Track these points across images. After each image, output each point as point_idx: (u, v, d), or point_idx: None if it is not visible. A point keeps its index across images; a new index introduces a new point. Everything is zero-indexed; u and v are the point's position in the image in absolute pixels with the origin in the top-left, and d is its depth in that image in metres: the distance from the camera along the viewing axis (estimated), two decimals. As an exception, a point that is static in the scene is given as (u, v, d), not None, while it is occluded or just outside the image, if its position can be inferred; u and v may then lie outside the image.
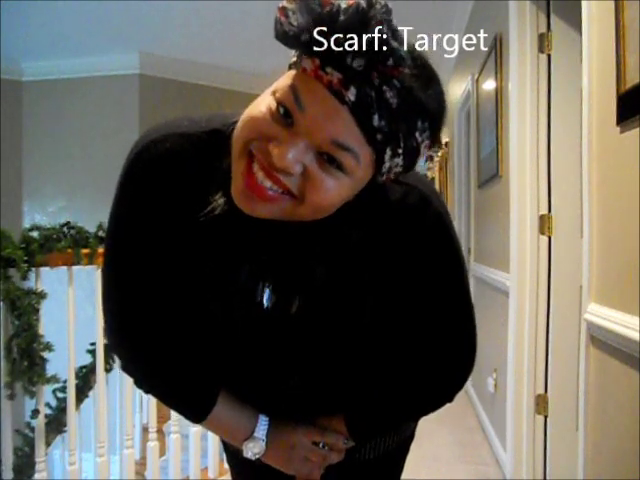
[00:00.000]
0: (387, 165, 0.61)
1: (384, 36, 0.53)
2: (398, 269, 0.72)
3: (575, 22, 1.93)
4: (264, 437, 0.78)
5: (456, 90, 4.35)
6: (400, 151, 0.60)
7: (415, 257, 0.73)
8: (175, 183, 0.71)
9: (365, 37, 0.53)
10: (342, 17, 0.53)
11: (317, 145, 0.58)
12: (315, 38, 0.54)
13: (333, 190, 0.60)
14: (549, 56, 2.08)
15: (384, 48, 0.54)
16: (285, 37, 0.56)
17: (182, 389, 0.78)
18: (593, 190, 1.33)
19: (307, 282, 0.70)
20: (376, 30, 0.53)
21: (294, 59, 0.63)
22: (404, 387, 0.79)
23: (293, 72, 0.62)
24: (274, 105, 0.61)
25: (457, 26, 4.01)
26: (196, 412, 0.78)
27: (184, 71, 5.19)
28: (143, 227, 0.72)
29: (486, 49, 2.82)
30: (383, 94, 0.56)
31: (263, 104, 0.64)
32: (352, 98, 0.55)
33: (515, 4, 2.16)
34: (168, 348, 0.77)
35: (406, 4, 3.79)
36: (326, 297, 0.71)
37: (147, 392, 0.81)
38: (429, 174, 6.98)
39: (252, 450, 0.78)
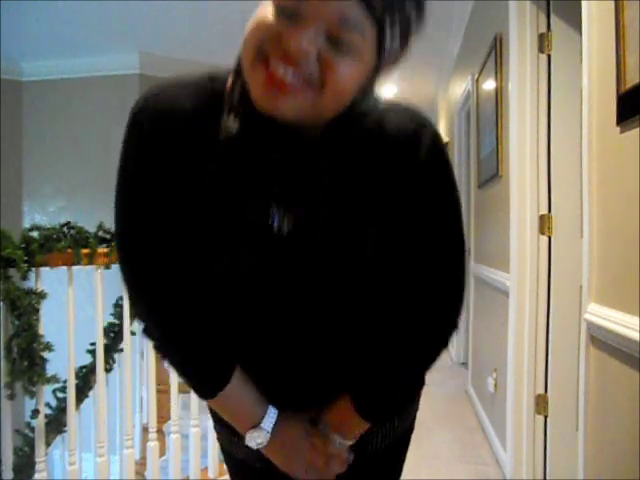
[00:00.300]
0: (387, 46, 0.65)
1: None
2: (397, 195, 0.74)
3: (575, 22, 1.93)
4: (270, 429, 0.77)
5: (456, 90, 4.35)
6: (397, 30, 0.64)
7: (414, 182, 0.74)
8: (181, 123, 0.72)
9: None
10: None
11: (326, 27, 0.60)
12: None
13: (347, 74, 0.63)
14: (549, 56, 2.08)
15: None
16: None
17: (198, 358, 0.77)
18: (593, 190, 1.33)
19: (314, 203, 0.71)
20: None
21: None
22: (404, 334, 0.77)
23: None
24: (274, 6, 0.62)
25: (457, 26, 4.01)
26: (208, 386, 0.77)
27: (184, 71, 5.19)
28: (154, 173, 0.74)
29: (486, 49, 2.82)
30: None
31: (262, 12, 0.64)
32: None
33: (515, 4, 2.16)
34: (185, 307, 0.77)
35: (406, 4, 3.79)
36: (331, 223, 0.72)
37: (164, 357, 0.81)
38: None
39: (256, 440, 0.78)
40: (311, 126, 0.68)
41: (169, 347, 0.80)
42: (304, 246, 0.72)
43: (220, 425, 0.87)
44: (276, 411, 0.79)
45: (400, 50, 0.68)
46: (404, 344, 0.78)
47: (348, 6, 0.60)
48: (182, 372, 0.81)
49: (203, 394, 0.78)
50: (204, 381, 0.78)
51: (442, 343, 0.79)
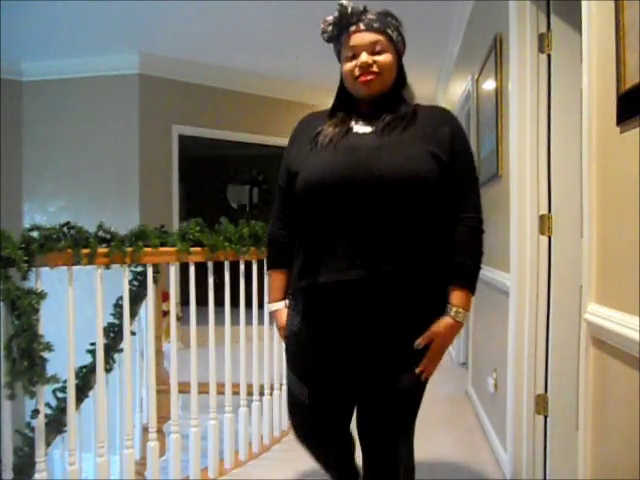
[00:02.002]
0: (397, 42, 1.38)
1: (361, 9, 1.35)
2: (447, 140, 1.35)
3: (575, 22, 1.93)
4: (271, 309, 1.54)
5: (456, 90, 4.35)
6: (395, 32, 1.38)
7: (453, 131, 1.37)
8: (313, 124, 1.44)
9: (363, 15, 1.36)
10: (351, 13, 1.34)
11: (366, 50, 1.33)
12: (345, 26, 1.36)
13: (384, 60, 1.34)
14: (549, 56, 2.08)
15: (364, 15, 1.35)
16: (331, 37, 1.38)
17: (270, 251, 1.59)
18: (593, 190, 1.33)
19: (381, 131, 1.34)
20: (360, 9, 1.35)
21: (338, 47, 1.40)
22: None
23: (344, 48, 1.37)
24: (351, 56, 1.35)
25: (457, 26, 4.01)
26: (267, 265, 1.62)
27: (184, 71, 5.19)
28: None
29: (486, 49, 2.82)
30: (376, 20, 1.35)
31: (346, 64, 1.37)
32: (373, 25, 1.35)
33: (515, 4, 2.16)
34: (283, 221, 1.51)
35: (406, 4, 3.79)
36: (403, 146, 1.32)
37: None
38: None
39: (270, 308, 1.55)
40: (378, 96, 1.37)
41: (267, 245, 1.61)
42: (377, 155, 1.31)
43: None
44: (278, 306, 1.52)
45: (403, 46, 1.41)
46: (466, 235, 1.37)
47: (373, 37, 1.34)
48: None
49: (266, 267, 1.67)
50: (267, 262, 1.62)
51: (480, 232, 1.39)
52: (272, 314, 1.54)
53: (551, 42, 2.06)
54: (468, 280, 1.35)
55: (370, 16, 1.34)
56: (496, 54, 2.54)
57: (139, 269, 2.53)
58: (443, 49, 4.65)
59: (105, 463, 1.96)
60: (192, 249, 2.21)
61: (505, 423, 2.29)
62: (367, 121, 1.37)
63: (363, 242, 1.27)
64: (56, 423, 2.25)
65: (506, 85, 2.36)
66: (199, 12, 4.01)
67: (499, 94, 2.53)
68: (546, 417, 2.10)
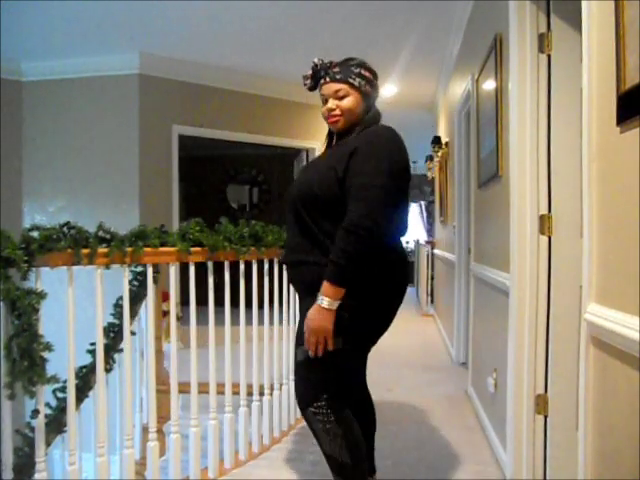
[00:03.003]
0: (360, 85, 1.72)
1: (328, 64, 1.76)
2: (347, 155, 1.63)
3: (575, 22, 1.93)
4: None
5: (456, 90, 4.35)
6: (358, 78, 1.72)
7: (357, 146, 1.62)
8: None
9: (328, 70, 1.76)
10: (320, 69, 1.77)
11: (333, 96, 1.73)
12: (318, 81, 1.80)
13: (347, 103, 1.71)
14: (549, 56, 2.08)
15: (331, 69, 1.75)
16: (310, 87, 1.81)
17: None
18: (593, 190, 1.33)
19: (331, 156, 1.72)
20: (332, 66, 1.76)
21: (319, 91, 1.80)
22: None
23: (320, 94, 1.78)
24: (323, 101, 1.77)
25: (457, 26, 4.01)
26: None
27: (184, 71, 5.19)
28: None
29: (486, 49, 2.82)
30: (339, 72, 1.73)
31: (322, 108, 1.78)
32: (336, 77, 1.73)
33: (515, 4, 2.16)
34: None
35: (406, 4, 3.81)
36: (315, 166, 1.79)
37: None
38: (429, 174, 6.99)
39: None
40: (344, 129, 1.75)
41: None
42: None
43: None
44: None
45: (368, 84, 1.75)
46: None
47: (336, 87, 1.72)
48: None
49: None
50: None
51: (350, 233, 1.55)
52: None
53: (551, 42, 2.06)
54: (330, 273, 1.56)
55: (335, 69, 1.73)
56: (496, 54, 2.54)
57: (139, 269, 2.53)
58: (443, 49, 4.65)
59: (105, 463, 1.96)
60: (192, 249, 2.20)
61: (505, 423, 2.29)
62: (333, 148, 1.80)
63: (288, 236, 1.82)
64: (56, 423, 2.25)
65: (506, 85, 2.36)
66: (199, 12, 4.01)
67: (499, 94, 2.53)
68: (546, 417, 2.10)
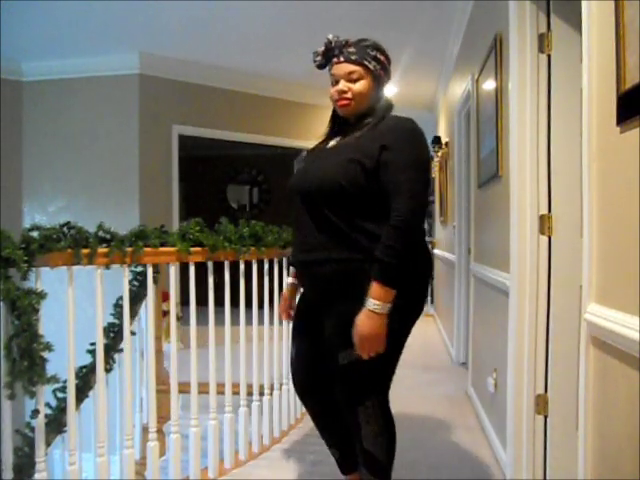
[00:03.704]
0: (375, 69, 1.62)
1: (343, 42, 1.64)
2: (377, 149, 1.54)
3: (575, 22, 1.93)
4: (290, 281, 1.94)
5: (456, 90, 4.35)
6: (373, 61, 1.61)
7: (388, 140, 1.54)
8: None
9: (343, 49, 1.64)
10: (334, 46, 1.64)
11: (345, 77, 1.61)
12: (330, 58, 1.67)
13: (360, 87, 1.61)
14: (549, 56, 2.08)
15: (345, 48, 1.64)
16: (320, 65, 1.67)
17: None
18: (593, 190, 1.33)
19: (346, 142, 1.63)
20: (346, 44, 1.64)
21: (329, 69, 1.68)
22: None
23: (330, 75, 1.67)
24: (333, 82, 1.65)
25: (457, 26, 4.01)
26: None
27: (184, 71, 5.19)
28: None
29: (486, 49, 2.82)
30: (354, 52, 1.62)
31: (331, 89, 1.66)
32: (351, 57, 1.61)
33: (515, 4, 2.16)
34: None
35: (406, 4, 3.81)
36: (336, 159, 1.59)
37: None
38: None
39: (288, 280, 1.99)
40: (353, 115, 1.66)
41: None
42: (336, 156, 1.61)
43: None
44: (289, 280, 1.95)
45: (383, 70, 1.65)
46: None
47: (350, 68, 1.61)
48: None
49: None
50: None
51: (400, 231, 1.48)
52: (287, 286, 1.99)
53: (551, 42, 2.06)
54: (382, 274, 1.46)
55: (350, 49, 1.61)
56: (496, 54, 2.54)
57: (139, 269, 2.53)
58: (443, 49, 4.65)
59: (105, 463, 1.96)
60: (192, 249, 2.20)
61: (505, 423, 2.29)
62: (343, 136, 1.67)
63: (300, 234, 1.66)
64: (56, 423, 2.25)
65: (506, 85, 2.36)
66: (199, 12, 4.01)
67: (499, 94, 2.53)
68: (546, 417, 2.10)
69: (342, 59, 1.61)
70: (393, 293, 1.46)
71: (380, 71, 1.63)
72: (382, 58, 1.63)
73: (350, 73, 1.60)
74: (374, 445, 1.62)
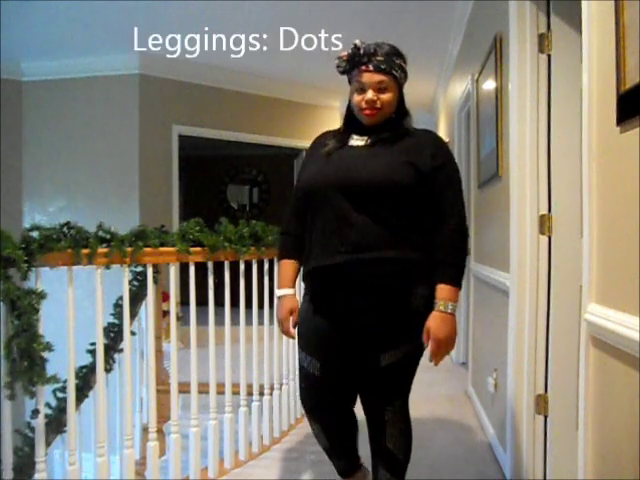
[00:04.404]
0: (400, 78, 1.62)
1: (372, 49, 1.57)
2: (429, 156, 1.59)
3: (575, 22, 1.93)
4: (279, 294, 1.76)
5: (456, 90, 4.35)
6: (399, 70, 1.61)
7: (437, 150, 1.62)
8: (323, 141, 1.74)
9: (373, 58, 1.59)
10: (363, 53, 1.58)
11: (373, 87, 1.57)
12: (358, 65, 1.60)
13: (389, 97, 1.60)
14: (549, 56, 2.08)
15: (374, 56, 1.58)
16: (344, 71, 1.62)
17: (281, 245, 1.83)
18: (593, 190, 1.33)
19: (374, 151, 1.62)
20: (374, 51, 1.58)
21: (350, 78, 1.64)
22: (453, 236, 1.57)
23: (355, 81, 1.62)
24: (360, 89, 1.60)
25: (457, 26, 4.01)
26: (278, 256, 1.83)
27: (184, 71, 5.19)
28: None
29: (486, 49, 2.82)
30: (383, 61, 1.57)
31: (354, 97, 1.63)
32: (380, 67, 1.57)
33: (515, 4, 2.16)
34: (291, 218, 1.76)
35: (406, 4, 3.81)
36: (388, 158, 1.59)
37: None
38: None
39: (277, 293, 1.80)
40: (378, 124, 1.63)
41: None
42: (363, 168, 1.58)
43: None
44: (285, 292, 1.75)
45: (405, 79, 1.66)
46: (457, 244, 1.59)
47: (380, 78, 1.57)
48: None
49: (277, 258, 1.89)
50: (279, 252, 1.82)
51: (461, 233, 1.59)
52: (279, 300, 1.77)
53: (551, 42, 2.06)
54: (450, 276, 1.53)
55: (379, 57, 1.57)
56: (496, 54, 2.54)
57: (139, 269, 2.53)
58: (443, 49, 4.64)
59: (105, 463, 1.96)
60: (192, 249, 2.20)
61: (505, 423, 2.29)
62: (363, 136, 1.65)
63: (345, 233, 1.55)
64: (56, 423, 2.26)
65: (506, 85, 2.36)
66: (199, 12, 4.01)
67: (499, 94, 2.53)
68: (546, 417, 2.10)
69: (371, 67, 1.56)
70: (460, 293, 1.54)
71: (404, 79, 1.65)
72: (404, 65, 1.64)
73: (379, 82, 1.57)
74: (396, 445, 1.67)
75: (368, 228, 1.54)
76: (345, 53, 1.59)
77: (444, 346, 1.53)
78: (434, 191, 1.57)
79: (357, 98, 1.60)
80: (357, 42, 1.56)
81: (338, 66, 1.61)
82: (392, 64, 1.58)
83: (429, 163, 1.57)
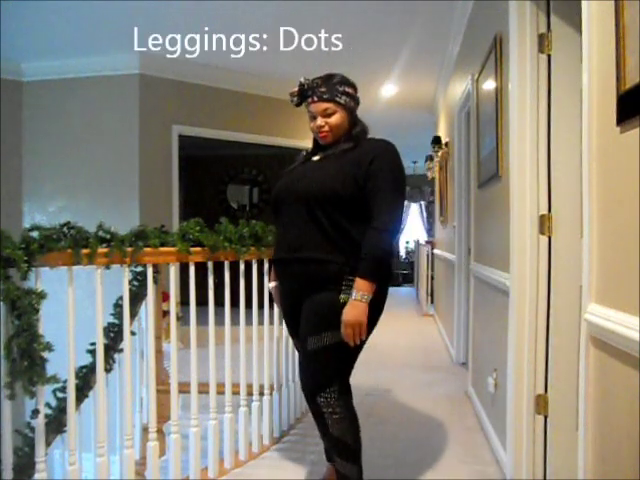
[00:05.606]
0: (346, 102, 1.89)
1: (315, 83, 1.90)
2: (367, 163, 1.80)
3: (575, 22, 1.93)
4: (271, 286, 2.16)
5: (456, 90, 4.35)
6: (343, 96, 1.88)
7: (375, 156, 1.81)
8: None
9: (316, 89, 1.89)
10: (307, 88, 1.91)
11: (321, 113, 1.88)
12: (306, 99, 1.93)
13: (335, 120, 1.88)
14: (549, 56, 2.08)
15: (317, 89, 1.89)
16: (297, 104, 1.96)
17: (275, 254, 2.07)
18: (593, 190, 1.33)
19: (327, 166, 1.87)
20: (317, 85, 1.90)
21: (306, 106, 1.95)
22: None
23: (307, 111, 1.94)
24: (312, 117, 1.93)
25: (457, 26, 4.01)
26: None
27: (184, 71, 5.19)
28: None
29: (486, 49, 2.82)
30: (326, 91, 1.88)
31: (311, 123, 1.94)
32: (323, 97, 1.88)
33: (515, 4, 2.16)
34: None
35: (406, 4, 3.80)
36: (330, 170, 1.84)
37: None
38: (429, 174, 6.98)
39: (270, 285, 2.21)
40: (332, 142, 1.92)
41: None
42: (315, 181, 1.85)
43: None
44: (272, 284, 2.13)
45: (353, 101, 1.92)
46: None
47: (324, 106, 1.87)
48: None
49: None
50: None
51: (380, 233, 1.76)
52: (270, 290, 2.21)
53: (551, 42, 2.06)
54: (364, 270, 1.73)
55: (322, 89, 1.86)
56: (496, 54, 2.54)
57: (139, 269, 2.53)
58: (443, 49, 4.65)
59: (105, 463, 1.97)
60: (192, 249, 2.20)
61: (505, 423, 2.29)
62: (322, 153, 1.94)
63: (289, 235, 1.88)
64: (56, 423, 2.25)
65: (506, 85, 2.36)
66: (199, 12, 4.01)
67: (499, 94, 2.53)
68: (546, 417, 2.10)
69: (316, 99, 1.87)
70: (374, 286, 1.72)
71: (350, 102, 1.90)
72: (350, 90, 1.90)
73: (325, 110, 1.87)
74: (342, 430, 1.80)
75: (306, 233, 1.82)
76: (295, 89, 1.91)
77: (351, 327, 1.71)
78: (368, 194, 1.79)
79: (311, 125, 1.93)
80: (302, 80, 1.89)
81: (291, 100, 1.94)
82: (334, 92, 1.86)
83: (365, 169, 1.79)
